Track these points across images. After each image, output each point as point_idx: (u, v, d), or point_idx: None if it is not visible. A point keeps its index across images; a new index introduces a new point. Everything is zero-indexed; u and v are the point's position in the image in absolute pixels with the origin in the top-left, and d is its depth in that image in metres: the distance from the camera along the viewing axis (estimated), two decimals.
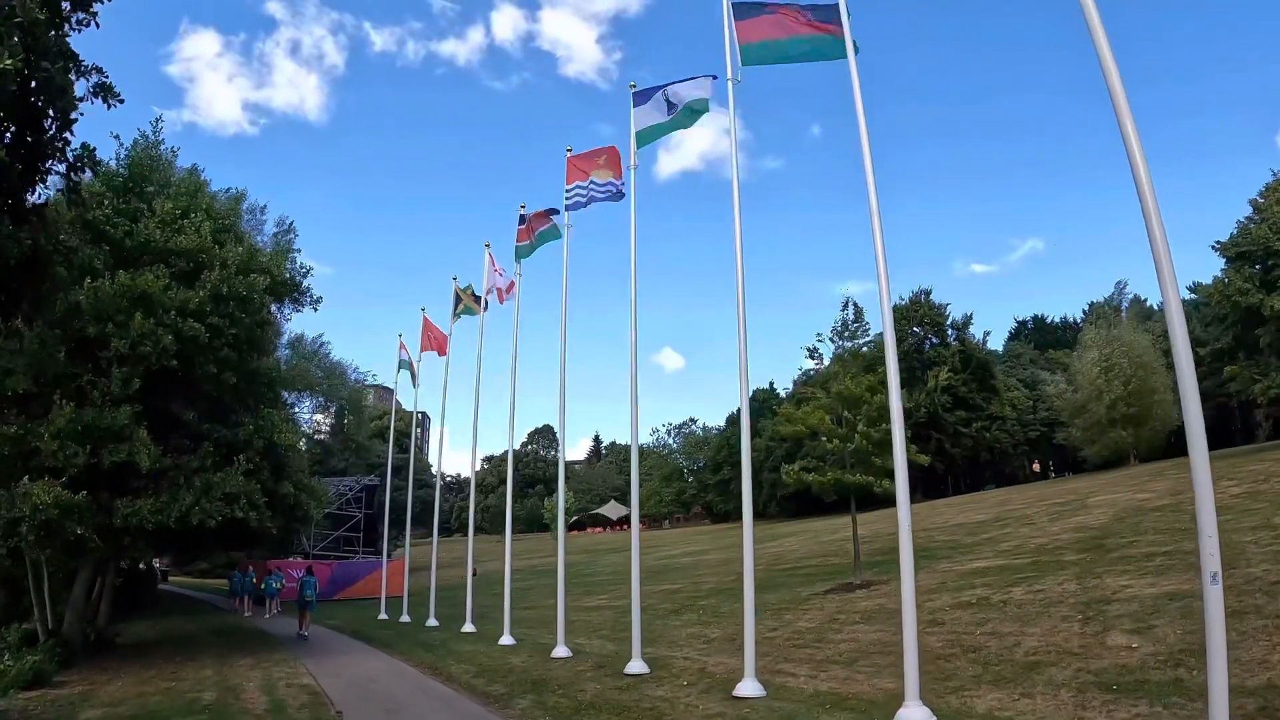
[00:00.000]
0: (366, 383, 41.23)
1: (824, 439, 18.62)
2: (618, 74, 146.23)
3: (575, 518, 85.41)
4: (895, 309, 48.05)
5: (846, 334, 19.88)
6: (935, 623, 12.78)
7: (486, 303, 19.86)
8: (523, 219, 18.58)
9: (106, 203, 15.56)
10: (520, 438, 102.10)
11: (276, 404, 16.34)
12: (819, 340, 19.94)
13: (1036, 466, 49.31)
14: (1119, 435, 37.40)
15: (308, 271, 18.08)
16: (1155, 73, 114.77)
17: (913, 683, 8.04)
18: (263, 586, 28.54)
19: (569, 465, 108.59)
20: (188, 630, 23.55)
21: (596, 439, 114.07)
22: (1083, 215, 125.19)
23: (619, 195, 15.45)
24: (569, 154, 16.10)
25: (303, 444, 37.11)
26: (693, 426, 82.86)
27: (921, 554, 21.39)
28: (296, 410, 33.87)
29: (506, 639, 16.18)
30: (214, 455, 15.04)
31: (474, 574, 45.11)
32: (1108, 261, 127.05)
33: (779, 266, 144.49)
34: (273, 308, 18.78)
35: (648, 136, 14.40)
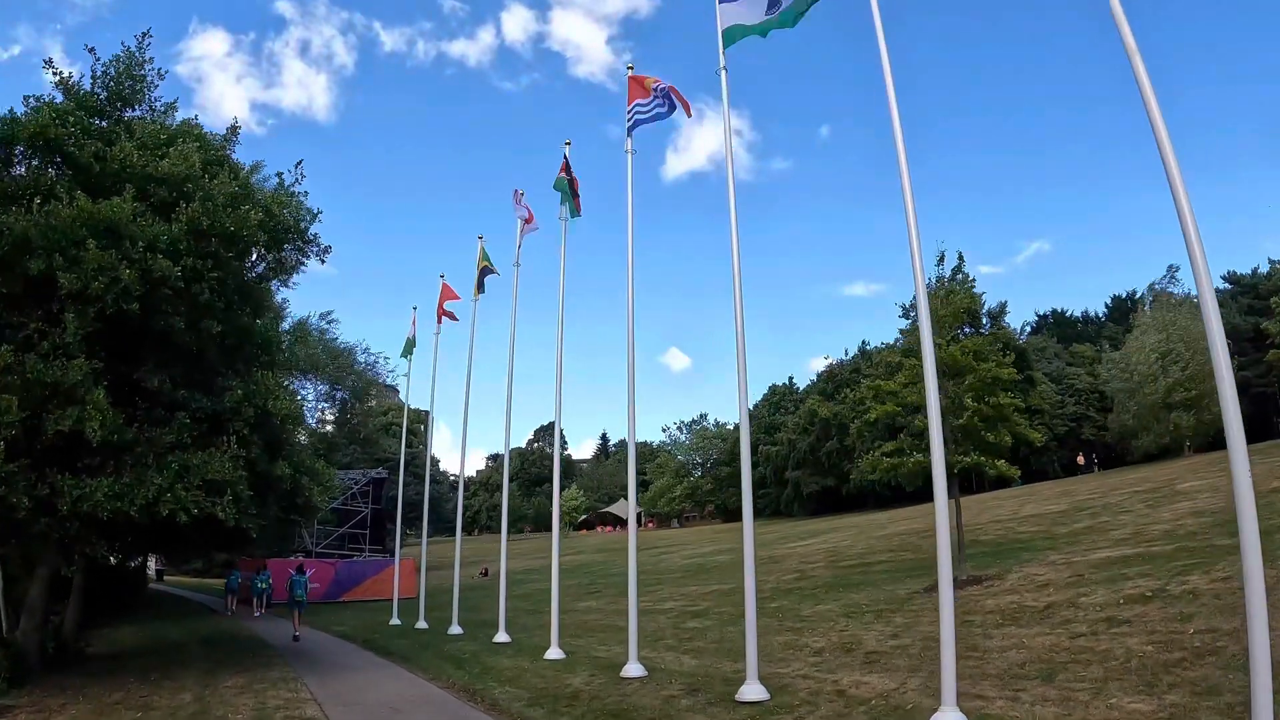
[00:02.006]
0: (375, 367, 37.43)
1: (920, 419, 15.51)
2: (627, 76, 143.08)
3: (584, 517, 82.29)
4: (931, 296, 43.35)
5: (943, 290, 16.78)
6: (1117, 621, 10.01)
7: (522, 241, 16.87)
8: (566, 159, 15.79)
9: (73, 120, 12.54)
10: (526, 435, 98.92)
11: (273, 367, 13.17)
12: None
13: (1081, 459, 46.27)
14: (1177, 418, 34.50)
15: (315, 215, 14.86)
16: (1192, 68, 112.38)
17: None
18: (250, 585, 25.64)
19: (576, 464, 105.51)
20: (174, 637, 20.38)
21: (604, 438, 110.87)
22: (1086, 217, 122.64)
23: (671, 109, 13.14)
24: (630, 72, 13.76)
25: (303, 437, 33.43)
26: (703, 423, 79.63)
27: (1017, 545, 18.52)
28: (301, 397, 30.49)
29: (555, 652, 13.04)
30: (192, 430, 11.87)
31: (484, 574, 41.78)
32: (1111, 262, 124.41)
33: (790, 269, 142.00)
34: (268, 269, 15.66)
35: (739, 34, 11.39)
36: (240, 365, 13.23)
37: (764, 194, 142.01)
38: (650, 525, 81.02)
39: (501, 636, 15.58)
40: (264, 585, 25.77)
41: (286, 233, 14.51)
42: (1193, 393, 34.56)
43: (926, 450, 16.15)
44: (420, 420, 63.68)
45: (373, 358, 38.14)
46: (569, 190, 15.31)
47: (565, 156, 15.76)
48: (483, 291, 18.92)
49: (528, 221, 16.99)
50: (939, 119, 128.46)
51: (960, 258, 17.01)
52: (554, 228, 16.91)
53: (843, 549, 24.28)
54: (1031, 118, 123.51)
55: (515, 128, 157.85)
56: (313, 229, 15.01)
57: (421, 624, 19.86)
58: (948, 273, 17.08)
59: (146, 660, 15.69)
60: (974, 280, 16.55)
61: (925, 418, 15.64)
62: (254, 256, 14.87)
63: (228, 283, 12.79)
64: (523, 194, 17.49)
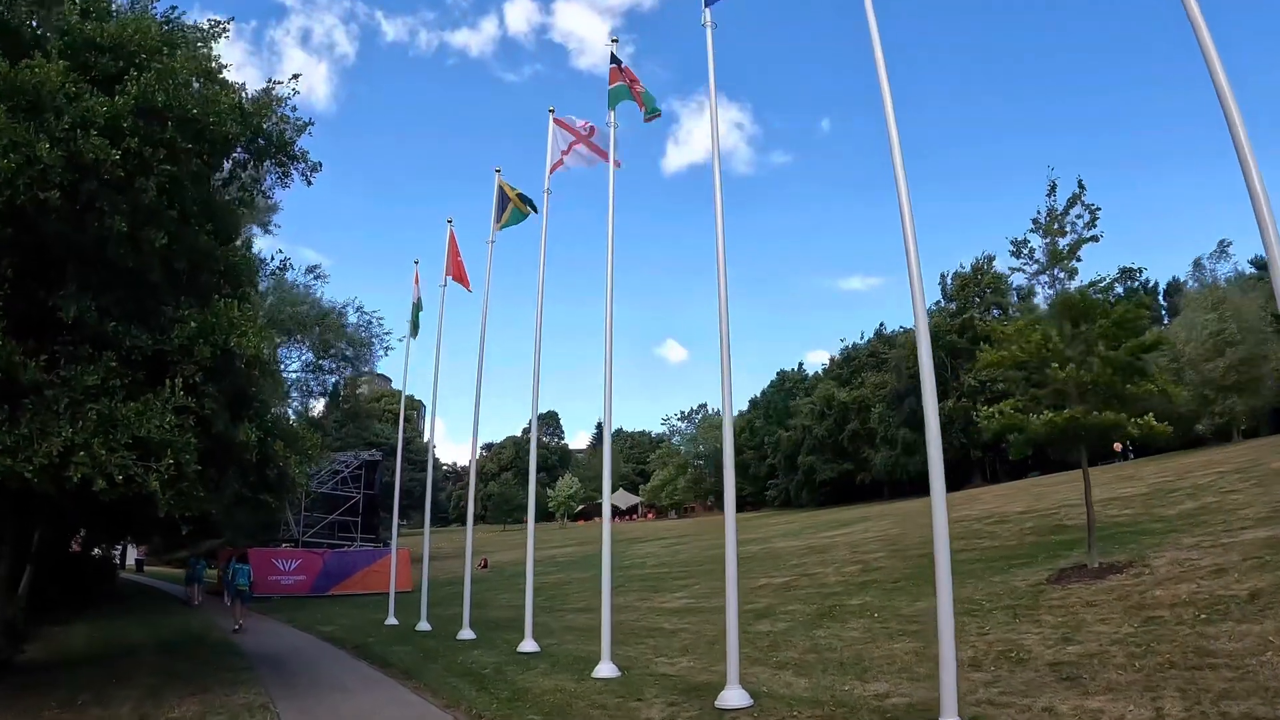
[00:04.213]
0: (370, 328, 32.52)
1: (1054, 367, 12.58)
2: (630, 67, 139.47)
3: (581, 507, 79.17)
4: (956, 275, 40.68)
5: (1055, 227, 13.78)
6: None
7: (555, 170, 13.62)
8: (614, 59, 12.63)
9: None
10: (521, 424, 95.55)
11: (239, 300, 9.93)
12: (1035, 227, 13.85)
13: (1118, 446, 43.56)
14: (1234, 403, 31.96)
15: (305, 127, 11.55)
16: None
17: None
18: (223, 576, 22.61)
19: (572, 454, 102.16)
20: (131, 639, 17.07)
21: (599, 428, 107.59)
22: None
23: None
24: None
25: (291, 413, 29.03)
26: (704, 413, 76.44)
27: (1123, 529, 15.41)
28: (283, 367, 26.93)
29: (607, 668, 9.87)
30: (124, 375, 8.63)
31: (483, 566, 38.44)
32: (1117, 254, 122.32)
33: (787, 262, 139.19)
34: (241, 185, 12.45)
35: None
36: (194, 299, 9.95)
37: (763, 187, 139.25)
38: (650, 516, 78.03)
39: (528, 645, 12.38)
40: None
41: (268, 145, 11.31)
42: (1246, 376, 32.08)
43: (1059, 407, 13.27)
44: (414, 407, 60.03)
45: (366, 317, 32.50)
46: (629, 95, 12.29)
47: (614, 56, 12.58)
48: (515, 224, 15.66)
49: (575, 144, 13.72)
50: (931, 115, 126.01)
51: (1080, 185, 13.80)
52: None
53: (896, 538, 21.26)
54: (1020, 115, 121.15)
55: (517, 118, 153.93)
56: (300, 143, 11.77)
57: (423, 625, 16.63)
58: (1061, 205, 14.00)
59: (87, 671, 12.43)
60: (1099, 210, 13.46)
61: (1059, 368, 12.75)
62: (225, 169, 11.70)
63: (184, 184, 9.54)
64: (553, 110, 14.25)
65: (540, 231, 14.23)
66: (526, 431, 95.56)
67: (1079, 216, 13.66)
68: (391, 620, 18.12)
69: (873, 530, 24.57)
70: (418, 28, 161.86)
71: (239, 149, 11.18)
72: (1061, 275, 13.58)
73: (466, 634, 14.50)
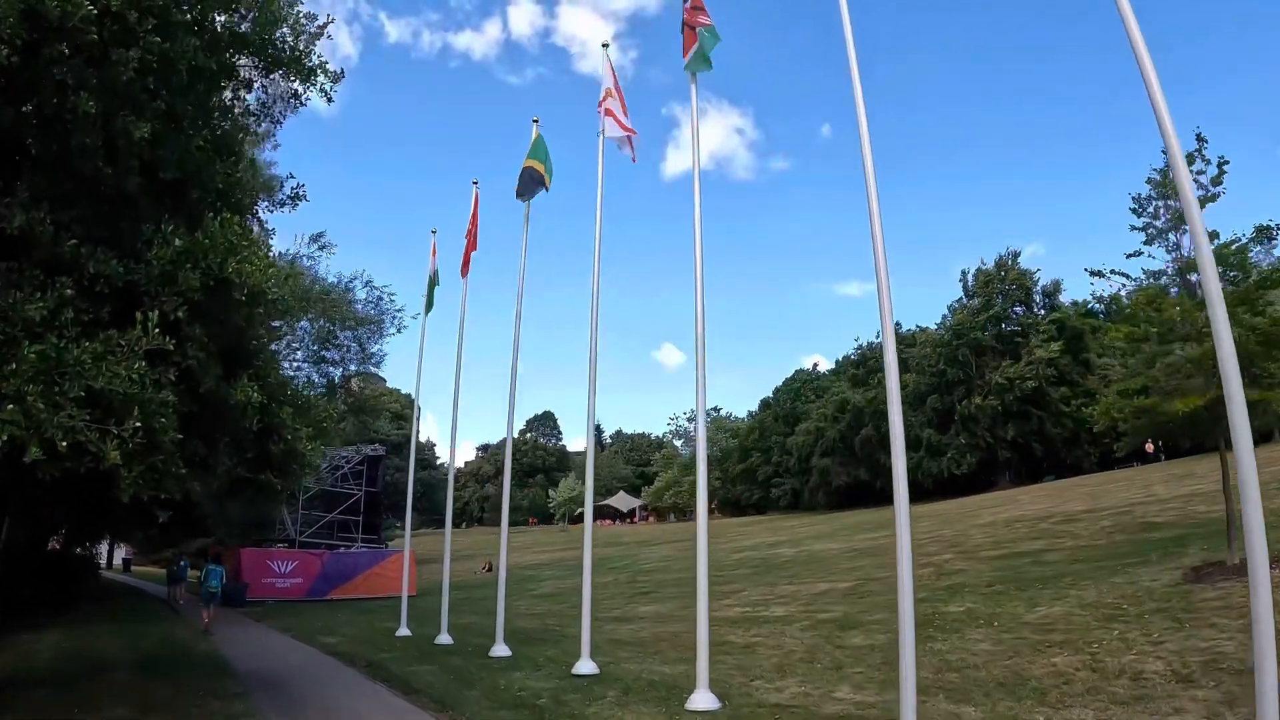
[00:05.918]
0: (380, 304, 28.95)
1: (1189, 347, 10.61)
2: (633, 72, 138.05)
3: (580, 510, 76.71)
4: (978, 274, 38.37)
5: (1167, 193, 11.78)
6: None
7: (605, 121, 11.54)
8: None
9: None
10: (518, 425, 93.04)
11: (240, 213, 7.74)
12: (1152, 185, 11.84)
13: (1150, 447, 41.72)
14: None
15: (323, 30, 9.39)
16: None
17: None
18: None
19: (570, 456, 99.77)
20: (106, 651, 14.64)
21: (598, 429, 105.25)
22: (1078, 219, 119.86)
23: None
24: None
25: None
26: (717, 414, 74.10)
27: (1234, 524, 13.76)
28: (285, 359, 24.43)
29: (704, 698, 7.65)
30: (86, 308, 6.40)
31: (487, 569, 36.03)
32: (1112, 258, 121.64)
33: (785, 267, 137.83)
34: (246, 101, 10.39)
35: None
36: (181, 220, 7.69)
37: (762, 192, 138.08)
38: (651, 519, 75.69)
39: (585, 665, 10.08)
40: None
41: (279, 55, 9.15)
42: None
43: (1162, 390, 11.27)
44: (409, 406, 57.44)
45: (376, 292, 28.89)
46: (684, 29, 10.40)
47: None
48: (527, 195, 13.60)
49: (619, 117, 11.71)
50: (928, 118, 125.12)
51: (1200, 138, 11.82)
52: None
53: (958, 540, 19.16)
54: (1023, 119, 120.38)
55: (518, 121, 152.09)
56: (315, 51, 9.60)
57: (444, 638, 14.24)
58: (1166, 170, 12.01)
59: (48, 694, 10.05)
60: (1227, 162, 11.46)
61: (1197, 345, 10.73)
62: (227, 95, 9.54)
63: (176, 67, 7.28)
64: (606, 46, 12.14)
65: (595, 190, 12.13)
66: (524, 432, 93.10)
67: (1200, 173, 11.68)
68: (404, 630, 15.74)
69: (917, 531, 22.41)
70: (421, 29, 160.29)
71: (246, 54, 9.02)
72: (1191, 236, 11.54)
73: (501, 650, 12.15)
